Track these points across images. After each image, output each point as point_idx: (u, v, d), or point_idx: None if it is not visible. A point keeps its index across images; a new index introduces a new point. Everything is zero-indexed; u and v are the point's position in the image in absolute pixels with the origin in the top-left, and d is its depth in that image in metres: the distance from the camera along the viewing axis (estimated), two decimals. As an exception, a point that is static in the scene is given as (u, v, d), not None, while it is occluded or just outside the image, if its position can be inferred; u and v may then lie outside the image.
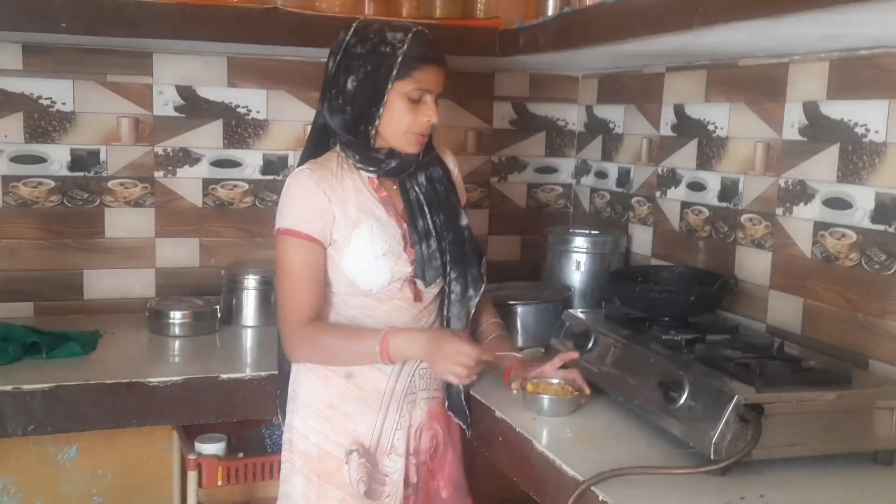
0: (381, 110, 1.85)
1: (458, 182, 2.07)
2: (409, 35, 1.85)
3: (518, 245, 3.24)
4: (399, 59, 1.83)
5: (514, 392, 1.97)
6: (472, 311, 1.99)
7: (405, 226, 1.93)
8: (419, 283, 1.94)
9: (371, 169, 1.92)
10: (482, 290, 2.00)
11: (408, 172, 1.95)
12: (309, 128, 2.82)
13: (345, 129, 1.89)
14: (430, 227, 1.94)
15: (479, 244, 2.03)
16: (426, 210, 1.95)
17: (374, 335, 1.85)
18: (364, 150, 1.90)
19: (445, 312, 1.98)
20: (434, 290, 1.97)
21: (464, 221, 2.00)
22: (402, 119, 1.86)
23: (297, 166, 1.95)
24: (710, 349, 1.89)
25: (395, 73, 1.83)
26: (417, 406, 1.99)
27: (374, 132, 1.87)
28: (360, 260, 1.88)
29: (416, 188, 1.96)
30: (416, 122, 1.87)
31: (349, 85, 1.86)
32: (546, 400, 1.91)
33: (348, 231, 1.88)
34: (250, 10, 2.43)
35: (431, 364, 1.87)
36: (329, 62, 1.91)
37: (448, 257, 1.95)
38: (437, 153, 2.04)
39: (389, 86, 1.84)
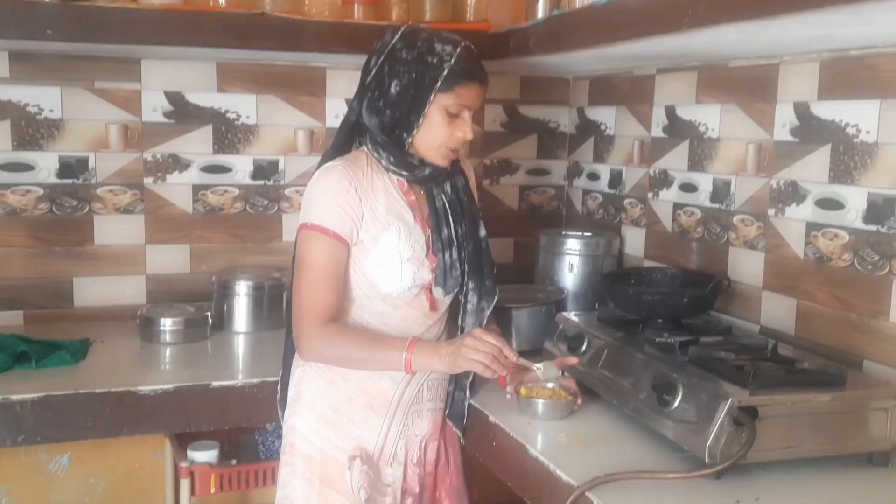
0: (420, 120, 1.84)
1: (475, 192, 2.07)
2: (458, 49, 1.83)
3: (511, 247, 3.23)
4: (445, 72, 1.81)
5: (509, 396, 1.96)
6: (484, 323, 1.98)
7: (430, 232, 1.92)
8: (437, 292, 1.92)
9: (403, 173, 1.90)
10: (495, 302, 1.99)
11: (437, 180, 1.94)
12: (300, 132, 2.89)
13: (381, 129, 1.87)
14: (453, 236, 1.93)
15: (491, 256, 2.02)
16: (450, 219, 1.93)
17: (399, 344, 1.81)
18: (399, 153, 1.88)
19: (460, 322, 1.97)
20: (447, 300, 1.96)
21: (482, 232, 1.99)
22: (439, 132, 1.85)
23: (322, 162, 1.91)
24: (703, 351, 1.88)
25: (438, 84, 1.81)
26: (423, 416, 1.98)
27: (409, 140, 1.86)
28: (385, 262, 1.85)
29: (443, 196, 1.95)
30: (452, 137, 1.86)
31: (392, 89, 1.84)
32: (540, 404, 1.91)
33: (377, 232, 1.86)
34: (238, 15, 2.42)
35: (454, 364, 1.80)
36: (370, 62, 1.88)
37: (466, 267, 1.94)
38: (460, 163, 2.03)
39: (432, 97, 1.82)
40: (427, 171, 1.89)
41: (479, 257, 1.97)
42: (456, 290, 1.95)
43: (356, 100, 1.91)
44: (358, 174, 1.86)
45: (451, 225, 1.93)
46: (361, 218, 1.84)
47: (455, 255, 1.92)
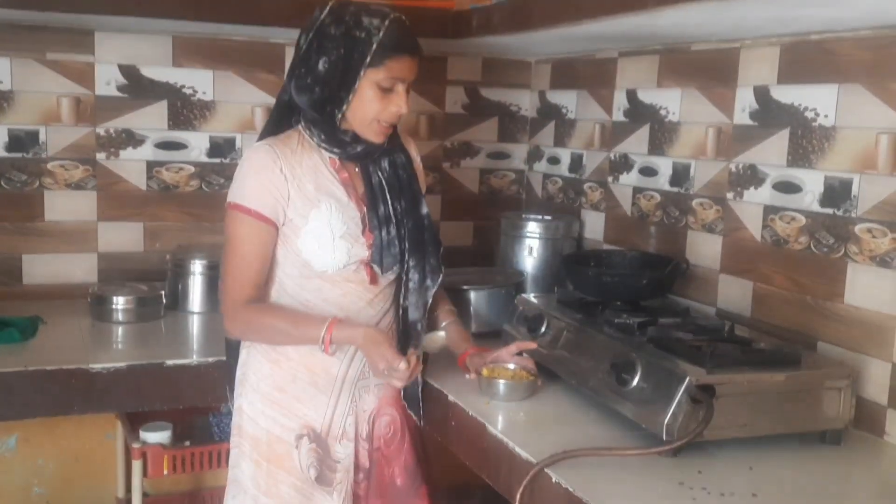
0: (350, 96, 1.81)
1: (419, 170, 2.04)
2: (386, 22, 1.80)
3: (471, 231, 3.23)
4: (374, 46, 1.78)
5: (468, 377, 1.95)
6: (430, 300, 1.97)
7: (365, 210, 1.90)
8: (376, 268, 1.91)
9: (335, 150, 1.88)
10: (440, 280, 1.97)
11: (372, 157, 1.92)
12: (257, 109, 2.85)
13: (311, 107, 1.85)
14: (391, 213, 1.91)
15: (437, 234, 2.00)
16: (388, 196, 1.91)
17: (319, 323, 1.81)
18: (330, 130, 1.86)
19: (402, 301, 1.95)
20: (390, 275, 1.94)
21: (424, 210, 1.97)
22: (371, 107, 1.82)
23: (258, 141, 1.90)
24: (661, 332, 1.90)
25: (368, 60, 1.78)
26: (370, 391, 1.97)
27: (340, 116, 1.84)
28: (316, 240, 1.84)
29: (379, 173, 1.93)
30: (386, 112, 1.83)
31: (320, 66, 1.80)
32: (502, 385, 1.91)
33: (305, 210, 1.84)
34: (196, -15, 2.37)
35: (370, 363, 1.84)
36: (300, 39, 1.85)
37: (407, 245, 1.92)
38: (401, 140, 2.01)
39: (362, 73, 1.79)
40: (359, 148, 1.88)
41: (421, 235, 1.95)
42: (396, 268, 1.93)
43: (287, 78, 1.89)
44: (286, 152, 1.85)
45: (389, 202, 1.91)
46: (288, 197, 1.83)
47: (393, 232, 1.90)
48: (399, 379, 1.79)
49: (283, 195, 1.83)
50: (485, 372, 1.94)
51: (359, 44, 1.78)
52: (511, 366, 1.97)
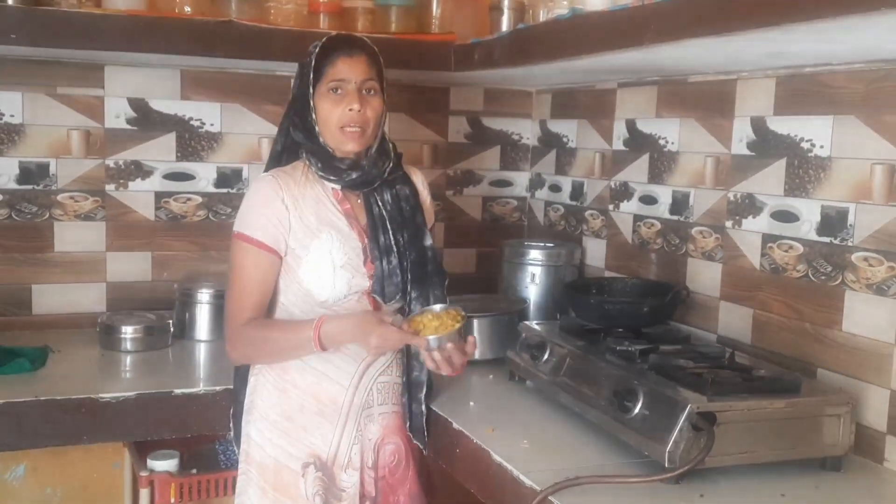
0: (313, 114, 1.90)
1: (425, 203, 2.08)
2: (323, 39, 1.93)
3: (473, 258, 3.26)
4: (313, 62, 1.89)
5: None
6: None
7: (366, 240, 1.94)
8: (378, 298, 1.94)
9: (332, 178, 1.93)
10: None
11: (371, 187, 1.96)
12: (264, 140, 2.90)
13: (304, 138, 1.93)
14: (392, 244, 1.94)
15: (442, 265, 2.03)
16: (388, 226, 1.95)
17: (308, 324, 1.84)
18: (326, 158, 1.92)
19: None
20: (394, 305, 1.97)
21: (427, 242, 2.01)
22: (331, 115, 1.89)
23: (264, 172, 1.97)
24: (662, 359, 1.92)
25: (311, 76, 1.89)
26: (374, 420, 1.99)
27: (317, 132, 1.91)
28: (317, 270, 1.88)
29: (381, 204, 1.97)
30: (343, 114, 1.89)
31: (292, 100, 1.97)
32: (430, 340, 1.81)
33: (307, 241, 1.88)
34: (205, 22, 2.43)
35: (364, 345, 1.83)
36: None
37: (409, 276, 1.95)
38: (406, 172, 2.05)
39: (311, 90, 1.90)
40: (355, 175, 1.93)
41: (424, 267, 1.98)
42: (399, 297, 1.95)
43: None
44: (289, 183, 1.91)
45: (391, 233, 1.95)
46: (289, 228, 1.88)
47: (395, 262, 1.93)
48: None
49: (284, 225, 1.88)
50: (413, 326, 1.82)
51: (305, 67, 1.92)
52: (437, 307, 1.87)
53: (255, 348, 1.92)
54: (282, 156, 2.00)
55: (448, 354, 1.81)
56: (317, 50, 1.90)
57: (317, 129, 1.91)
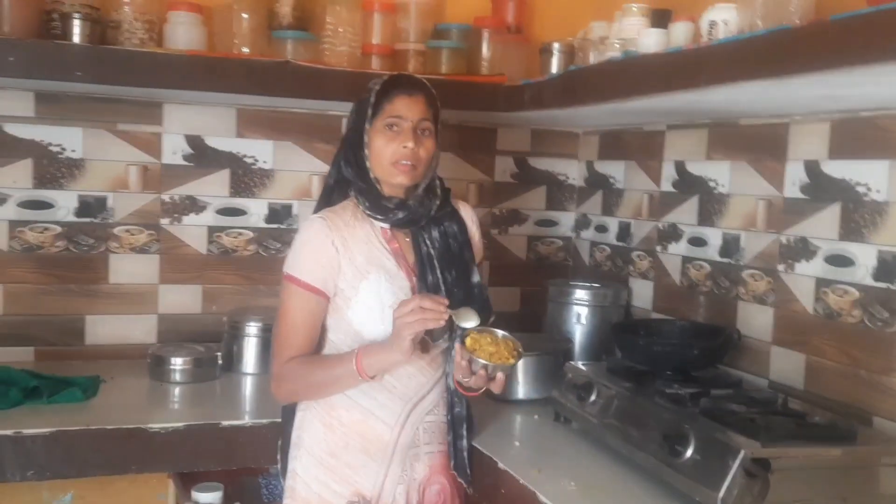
0: (366, 150, 1.92)
1: (474, 238, 2.09)
2: (385, 77, 1.95)
3: (518, 296, 3.26)
4: (372, 98, 1.92)
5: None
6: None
7: (415, 279, 1.95)
8: (426, 337, 1.94)
9: (379, 217, 1.95)
10: None
11: (419, 225, 1.97)
12: (314, 178, 2.94)
13: (356, 176, 1.95)
14: (440, 282, 1.95)
15: (489, 302, 2.02)
16: (436, 265, 1.96)
17: (349, 355, 1.85)
18: (375, 198, 1.94)
19: (448, 369, 1.98)
20: (442, 343, 1.97)
21: (475, 279, 2.01)
22: (384, 152, 1.91)
23: (314, 212, 2.00)
24: (714, 403, 1.90)
25: (369, 112, 1.92)
26: (421, 460, 1.98)
27: (369, 168, 1.93)
28: (366, 310, 1.89)
29: (428, 243, 1.98)
30: (397, 151, 1.90)
31: (344, 132, 2.02)
32: (480, 362, 1.79)
33: (356, 282, 1.90)
34: (263, 63, 2.49)
35: (399, 345, 1.77)
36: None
37: None
38: (454, 208, 2.06)
39: (367, 126, 1.92)
40: (401, 215, 1.94)
41: (471, 304, 1.99)
42: (447, 337, 1.95)
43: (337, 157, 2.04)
44: (339, 224, 1.92)
45: (438, 271, 1.96)
46: (339, 269, 1.90)
47: None
48: (411, 317, 1.74)
49: (333, 267, 1.89)
50: (467, 343, 1.80)
51: (363, 103, 1.95)
52: (500, 333, 1.84)
53: (299, 384, 1.93)
54: (333, 190, 2.03)
55: (488, 379, 1.82)
56: (377, 87, 1.93)
57: (368, 164, 1.93)
